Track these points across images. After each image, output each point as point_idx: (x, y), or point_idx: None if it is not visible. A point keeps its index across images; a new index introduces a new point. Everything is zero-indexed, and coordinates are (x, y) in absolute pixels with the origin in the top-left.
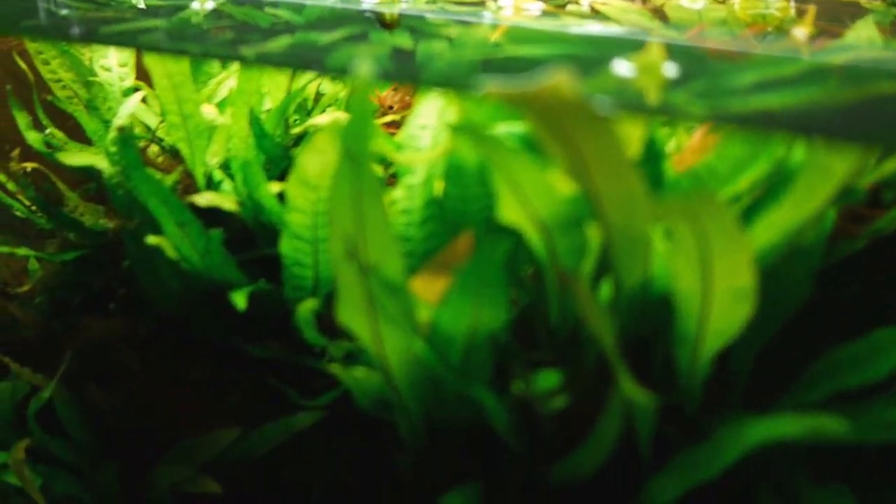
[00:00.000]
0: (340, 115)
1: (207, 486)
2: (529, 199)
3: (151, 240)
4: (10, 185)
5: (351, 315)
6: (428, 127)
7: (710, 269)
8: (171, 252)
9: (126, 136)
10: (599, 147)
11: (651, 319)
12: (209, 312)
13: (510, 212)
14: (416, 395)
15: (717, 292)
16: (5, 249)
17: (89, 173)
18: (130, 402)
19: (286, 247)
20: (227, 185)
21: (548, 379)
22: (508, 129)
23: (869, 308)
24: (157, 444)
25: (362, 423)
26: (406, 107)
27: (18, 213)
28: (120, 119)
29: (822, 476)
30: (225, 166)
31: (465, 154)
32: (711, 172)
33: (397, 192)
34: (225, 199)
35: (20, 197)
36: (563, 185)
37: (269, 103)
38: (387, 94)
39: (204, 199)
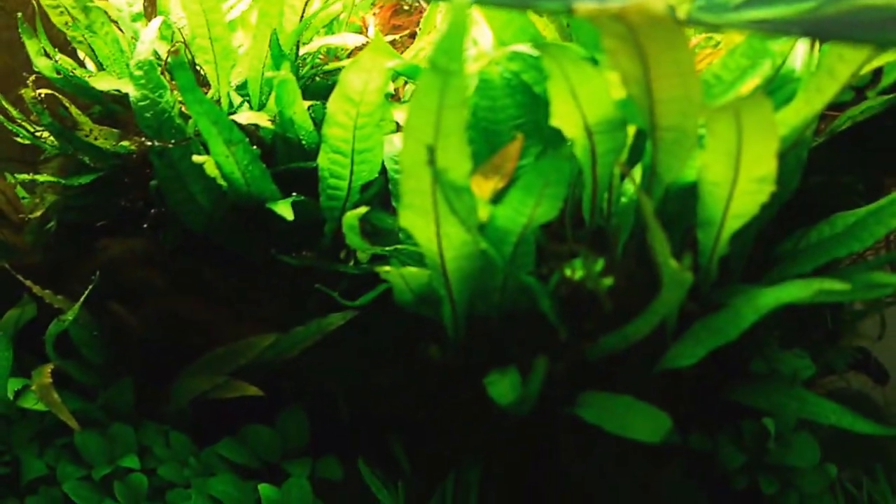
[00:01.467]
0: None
1: (245, 391)
2: (582, 104)
3: (197, 158)
4: (14, 112)
5: (413, 218)
6: None
7: (739, 159)
8: (210, 170)
9: (180, 60)
10: (675, 56)
11: (679, 208)
12: (239, 227)
13: (561, 118)
14: (464, 286)
15: (742, 180)
16: (24, 177)
17: (95, 97)
18: (156, 319)
19: (324, 160)
20: (244, 106)
21: (588, 264)
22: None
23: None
24: (182, 358)
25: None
26: (392, 28)
27: (21, 140)
28: (144, 44)
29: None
30: (241, 87)
31: (492, 70)
32: (717, 79)
33: None
34: (262, 117)
35: (25, 124)
36: (612, 92)
37: (287, 25)
38: (367, 16)
39: (244, 117)
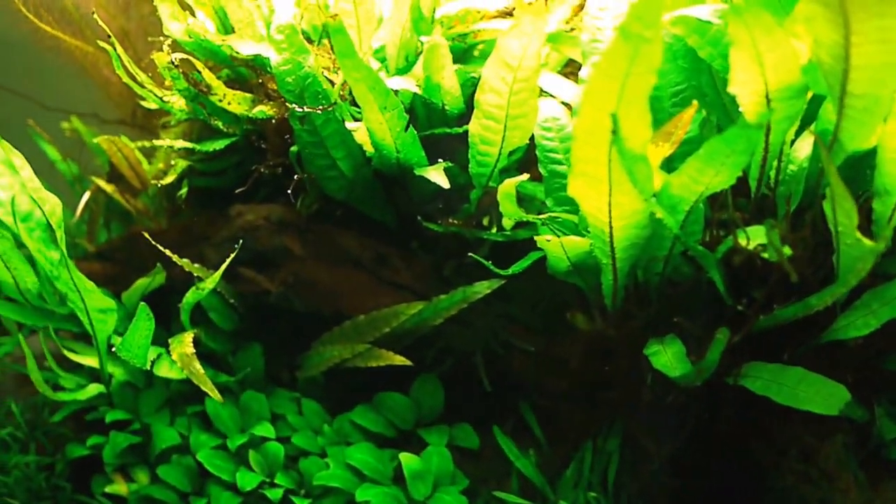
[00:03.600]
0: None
1: (390, 359)
2: (766, 71)
3: (351, 125)
4: (142, 77)
5: (583, 187)
6: (608, 8)
7: None
8: (360, 136)
9: (338, 24)
10: (881, 24)
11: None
12: (379, 193)
13: (741, 85)
14: (628, 255)
15: None
16: (161, 143)
17: (224, 61)
18: (292, 285)
19: (475, 126)
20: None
21: (770, 233)
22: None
23: None
24: (316, 326)
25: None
26: None
27: (146, 104)
28: (285, 8)
29: None
30: (377, 52)
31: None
32: None
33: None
34: (410, 82)
35: (153, 88)
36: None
37: None
38: None
39: (395, 83)
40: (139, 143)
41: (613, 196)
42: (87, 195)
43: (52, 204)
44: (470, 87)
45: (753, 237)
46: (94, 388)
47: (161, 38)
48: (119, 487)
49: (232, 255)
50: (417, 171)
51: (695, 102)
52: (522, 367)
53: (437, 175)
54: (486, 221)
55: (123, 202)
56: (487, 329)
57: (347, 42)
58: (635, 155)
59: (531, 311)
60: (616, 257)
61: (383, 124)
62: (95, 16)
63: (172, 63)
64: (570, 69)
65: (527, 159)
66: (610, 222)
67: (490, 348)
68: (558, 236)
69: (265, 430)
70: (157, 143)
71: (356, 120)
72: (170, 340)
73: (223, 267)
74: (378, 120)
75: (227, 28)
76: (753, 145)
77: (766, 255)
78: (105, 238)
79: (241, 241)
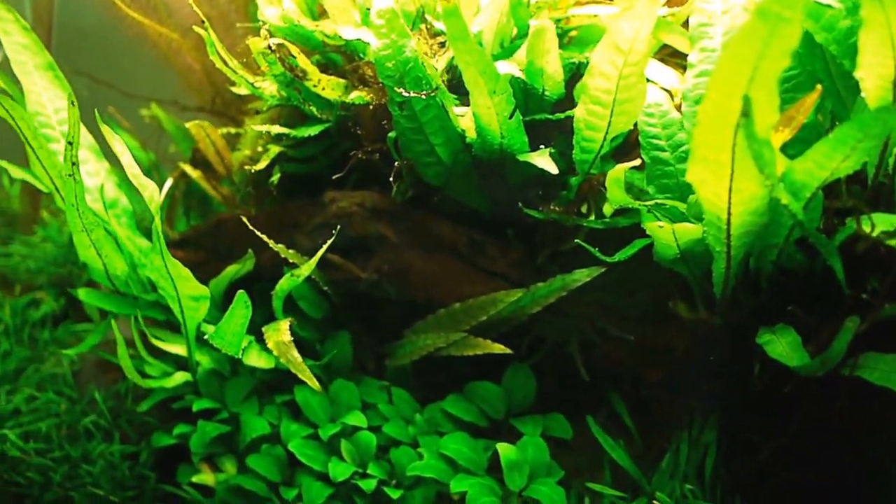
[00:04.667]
0: None
1: (488, 348)
2: None
3: (459, 110)
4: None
5: (702, 172)
6: None
7: None
8: (464, 122)
9: (453, 7)
10: None
11: None
12: (476, 180)
13: (869, 68)
14: (743, 243)
15: None
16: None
17: (315, 46)
18: (386, 273)
19: (581, 111)
20: None
21: (884, 220)
22: None
23: None
24: (408, 314)
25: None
26: None
27: (235, 90)
28: None
29: None
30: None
31: None
32: None
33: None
34: (514, 67)
35: (244, 73)
36: None
37: None
38: None
39: (503, 67)
40: (225, 130)
41: (735, 181)
42: (169, 181)
43: (152, 190)
44: (567, 73)
45: (879, 224)
46: (180, 377)
47: (241, 25)
48: (206, 477)
49: (328, 242)
50: (521, 157)
51: (818, 87)
52: (616, 357)
53: (543, 160)
54: (583, 209)
55: (209, 189)
56: (582, 317)
57: (461, 25)
58: (762, 139)
59: (628, 300)
60: (731, 245)
61: (491, 109)
62: (191, 1)
63: (269, 48)
64: (659, 55)
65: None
66: (728, 209)
67: (583, 337)
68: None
69: (357, 419)
70: (255, 128)
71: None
72: (264, 329)
73: (319, 254)
74: (486, 104)
75: (313, 13)
76: (889, 130)
77: (891, 243)
78: (184, 225)
79: (335, 227)
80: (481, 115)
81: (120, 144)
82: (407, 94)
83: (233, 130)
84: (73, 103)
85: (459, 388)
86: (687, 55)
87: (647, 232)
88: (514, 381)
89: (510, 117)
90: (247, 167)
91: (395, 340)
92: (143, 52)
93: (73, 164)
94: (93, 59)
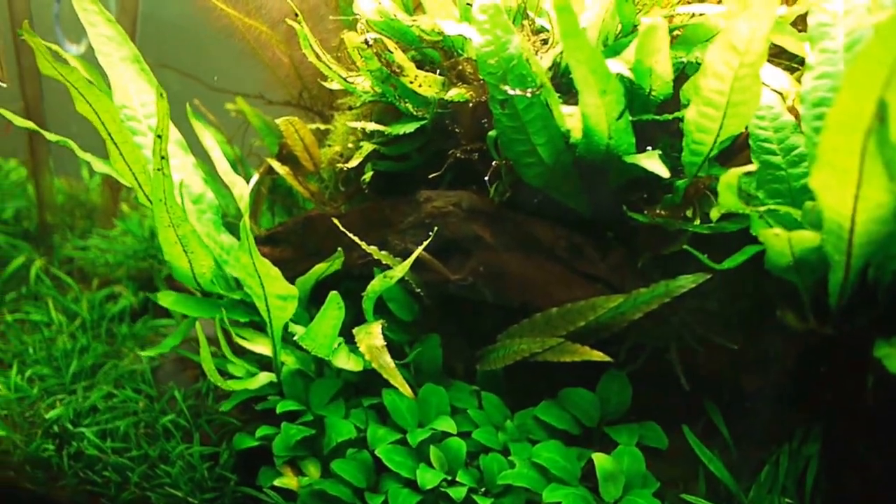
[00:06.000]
0: None
1: (587, 354)
2: None
3: (567, 109)
4: (327, 57)
5: (827, 178)
6: None
7: None
8: (571, 121)
9: (565, 4)
10: None
11: None
12: (576, 181)
13: None
14: (864, 252)
15: None
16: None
17: (411, 42)
18: (481, 275)
19: (693, 112)
20: None
21: None
22: None
23: None
24: (501, 317)
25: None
26: None
27: (327, 85)
28: None
29: None
30: None
31: None
32: None
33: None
34: (622, 65)
35: (335, 68)
36: None
37: None
38: None
39: (614, 65)
40: (314, 126)
41: (862, 188)
42: (255, 177)
43: (241, 187)
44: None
45: None
46: (264, 377)
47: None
48: (289, 481)
49: (425, 243)
50: (628, 159)
51: None
52: (715, 365)
53: (653, 163)
54: (688, 213)
55: (296, 185)
56: (682, 324)
57: (574, 20)
58: (894, 145)
59: (730, 307)
60: (852, 254)
61: (600, 108)
62: None
63: (367, 42)
64: None
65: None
66: (853, 216)
67: (683, 345)
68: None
69: (447, 424)
70: (350, 124)
71: None
72: (355, 330)
73: (414, 255)
74: (596, 104)
75: (407, 8)
76: None
77: None
78: (268, 221)
79: (432, 227)
80: (590, 115)
81: (210, 140)
82: (512, 92)
83: (322, 126)
84: (161, 95)
85: (548, 394)
86: (795, 55)
87: (760, 239)
88: (609, 388)
89: (619, 118)
90: (338, 164)
91: (487, 344)
92: (227, 44)
93: (163, 157)
94: (176, 51)
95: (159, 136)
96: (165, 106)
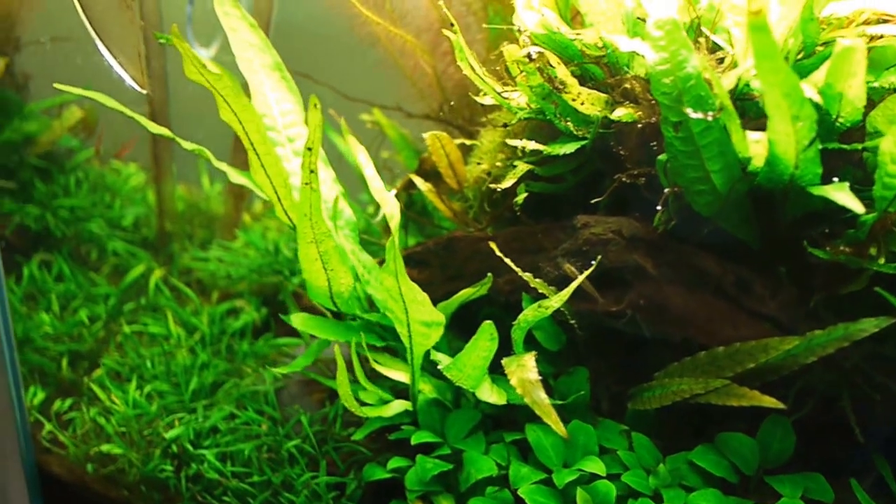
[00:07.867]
0: None
1: (756, 400)
2: None
3: (755, 136)
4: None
5: None
6: None
7: None
8: (755, 148)
9: (760, 21)
10: None
11: None
12: (748, 212)
13: None
14: None
15: None
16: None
17: (572, 57)
18: (640, 307)
19: (889, 143)
20: None
21: None
22: None
23: None
24: (657, 354)
25: None
26: None
27: (478, 99)
28: (665, 1)
29: None
30: None
31: None
32: None
33: None
34: (812, 90)
35: (489, 80)
36: None
37: None
38: None
39: (807, 90)
40: (459, 141)
41: None
42: (393, 192)
43: (393, 206)
44: None
45: None
46: (399, 405)
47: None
48: None
49: (587, 272)
50: (814, 191)
51: None
52: (887, 415)
53: (844, 196)
54: (872, 250)
55: (438, 203)
56: (856, 370)
57: (770, 42)
58: None
59: None
60: None
61: (790, 136)
62: (440, 2)
63: (529, 56)
64: None
65: None
66: None
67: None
68: None
69: (595, 465)
70: (510, 142)
71: None
72: (504, 361)
73: (573, 286)
74: (786, 131)
75: (566, 21)
76: None
77: None
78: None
79: (589, 255)
80: (777, 142)
81: (364, 156)
82: (693, 115)
83: (467, 142)
84: (316, 106)
85: (700, 437)
86: None
87: None
88: (771, 434)
89: (808, 146)
90: (491, 185)
91: (637, 381)
92: (362, 53)
93: (312, 171)
94: (309, 59)
95: (309, 149)
96: (319, 116)
